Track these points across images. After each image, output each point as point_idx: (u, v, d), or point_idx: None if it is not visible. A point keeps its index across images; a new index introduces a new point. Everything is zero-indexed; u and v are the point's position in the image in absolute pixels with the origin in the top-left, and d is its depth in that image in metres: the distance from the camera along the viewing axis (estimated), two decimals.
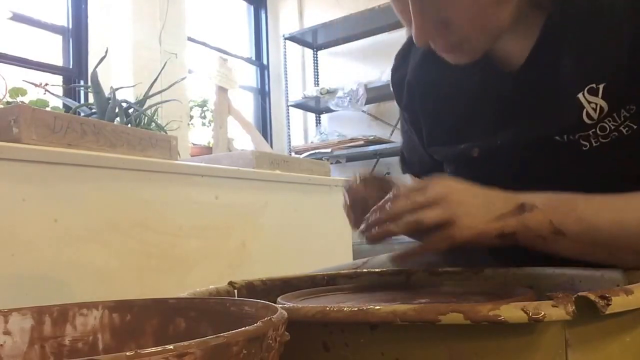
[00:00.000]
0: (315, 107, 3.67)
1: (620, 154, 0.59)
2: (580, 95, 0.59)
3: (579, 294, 0.35)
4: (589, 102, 0.59)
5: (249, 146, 2.52)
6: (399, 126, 1.70)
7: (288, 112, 3.66)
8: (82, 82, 2.54)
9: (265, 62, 3.78)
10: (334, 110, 3.47)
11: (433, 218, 0.57)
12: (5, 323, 0.42)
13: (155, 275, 1.24)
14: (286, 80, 3.68)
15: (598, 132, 0.59)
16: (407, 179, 0.88)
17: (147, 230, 1.23)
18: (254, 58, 3.77)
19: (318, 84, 3.64)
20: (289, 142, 3.62)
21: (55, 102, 1.86)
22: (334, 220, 1.72)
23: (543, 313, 0.33)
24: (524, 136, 0.64)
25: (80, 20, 2.61)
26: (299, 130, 3.78)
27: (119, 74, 2.39)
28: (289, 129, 3.65)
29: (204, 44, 3.29)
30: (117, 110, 1.49)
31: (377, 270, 0.72)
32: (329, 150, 3.28)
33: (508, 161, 0.66)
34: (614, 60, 0.58)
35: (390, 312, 0.35)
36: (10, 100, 1.53)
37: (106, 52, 1.60)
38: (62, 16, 2.60)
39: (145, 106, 1.63)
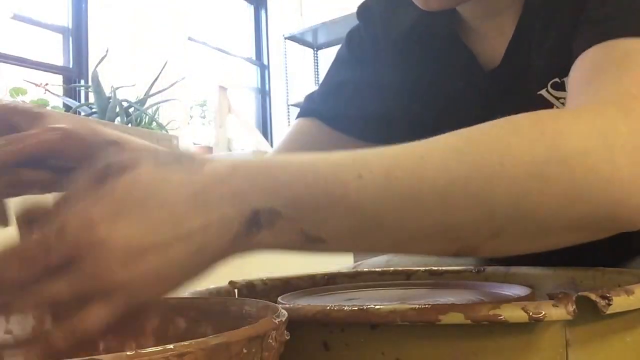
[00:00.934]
0: None
1: None
2: (543, 92, 0.57)
3: (580, 293, 0.35)
4: (557, 98, 0.57)
5: (249, 146, 2.52)
6: None
7: (289, 112, 3.66)
8: (82, 82, 2.54)
9: (265, 62, 3.78)
10: None
11: (106, 320, 0.32)
12: (7, 322, 0.42)
13: None
14: (287, 80, 3.68)
15: None
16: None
17: None
18: (254, 58, 3.77)
19: (318, 84, 3.64)
20: None
21: (56, 102, 1.86)
22: None
23: (543, 313, 0.33)
24: None
25: (80, 19, 2.61)
26: None
27: (119, 74, 2.39)
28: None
29: (204, 44, 3.29)
30: (117, 109, 1.49)
31: (377, 269, 0.72)
32: None
33: None
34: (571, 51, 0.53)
35: (390, 311, 0.35)
36: (10, 100, 1.53)
37: (107, 51, 1.60)
38: (62, 16, 2.60)
39: (146, 105, 1.63)
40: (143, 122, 1.58)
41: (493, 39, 0.64)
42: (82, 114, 1.54)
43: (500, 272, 0.65)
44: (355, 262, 0.86)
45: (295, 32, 3.61)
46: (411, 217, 0.35)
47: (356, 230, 0.36)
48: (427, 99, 0.70)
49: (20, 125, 0.43)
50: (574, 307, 0.34)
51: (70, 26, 2.61)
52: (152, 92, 1.64)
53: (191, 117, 3.05)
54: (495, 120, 0.38)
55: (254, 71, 3.76)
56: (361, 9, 0.77)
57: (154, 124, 1.65)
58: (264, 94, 3.76)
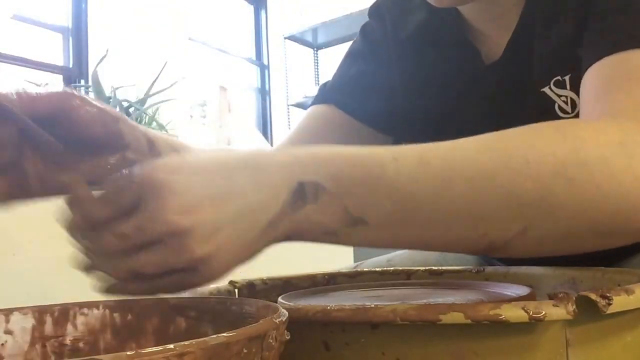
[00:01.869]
0: None
1: None
2: (546, 89, 0.58)
3: (580, 293, 0.35)
4: (559, 96, 0.57)
5: (249, 146, 2.52)
6: None
7: (289, 112, 3.66)
8: (82, 82, 2.54)
9: (265, 61, 3.78)
10: None
11: (158, 268, 0.35)
12: (7, 322, 0.42)
13: None
14: (287, 80, 3.68)
15: None
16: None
17: None
18: (254, 58, 3.77)
19: (319, 84, 3.64)
20: None
21: None
22: None
23: (544, 312, 0.33)
24: None
25: (80, 19, 2.61)
26: None
27: (119, 74, 2.40)
28: (289, 128, 3.65)
29: (204, 43, 3.29)
30: (117, 109, 1.49)
31: (377, 269, 0.72)
32: None
33: None
34: (575, 49, 0.54)
35: (390, 311, 0.35)
36: None
37: (107, 51, 1.61)
38: (62, 16, 2.60)
39: (146, 105, 1.63)
40: (143, 122, 1.59)
41: (496, 38, 0.65)
42: None
43: (500, 272, 0.65)
44: (355, 262, 0.86)
45: (295, 32, 3.61)
46: (443, 204, 0.37)
47: (395, 215, 0.37)
48: (435, 96, 0.71)
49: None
50: (574, 306, 0.34)
51: (70, 26, 2.61)
52: (152, 92, 1.64)
53: (191, 117, 3.05)
54: (519, 127, 0.40)
55: (254, 71, 3.77)
56: (372, 9, 0.78)
57: (154, 123, 1.65)
58: (264, 94, 3.76)
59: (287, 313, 0.33)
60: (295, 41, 3.67)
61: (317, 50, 3.74)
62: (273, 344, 0.30)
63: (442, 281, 0.65)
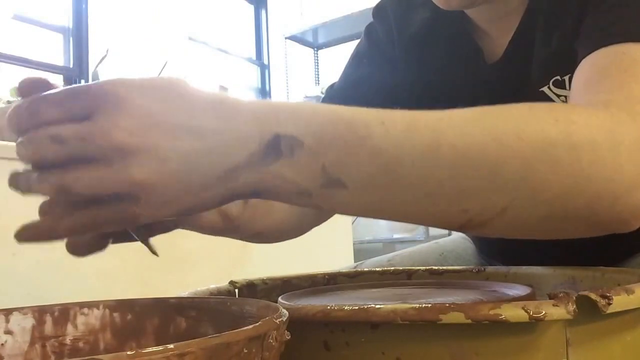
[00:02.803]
0: None
1: None
2: (545, 89, 0.58)
3: (580, 293, 0.35)
4: (558, 96, 0.58)
5: None
6: None
7: None
8: (82, 82, 2.54)
9: (266, 61, 3.78)
10: None
11: (92, 187, 0.32)
12: (7, 322, 0.42)
13: (156, 274, 1.24)
14: (287, 80, 3.68)
15: None
16: None
17: None
18: (254, 58, 3.77)
19: (319, 84, 3.64)
20: None
21: None
22: (334, 220, 1.71)
23: (544, 312, 0.33)
24: None
25: (80, 19, 2.61)
26: None
27: (119, 74, 2.39)
28: None
29: (204, 43, 3.29)
30: None
31: (378, 269, 0.72)
32: None
33: None
34: (574, 50, 0.54)
35: (391, 311, 0.35)
36: (10, 99, 1.53)
37: (107, 51, 1.60)
38: (62, 16, 2.60)
39: None
40: None
41: (499, 38, 0.66)
42: None
43: (500, 272, 0.65)
44: (355, 262, 0.86)
45: (296, 32, 3.61)
46: (427, 173, 0.36)
47: (376, 179, 0.35)
48: (438, 96, 0.72)
49: None
50: (574, 306, 0.34)
51: (70, 26, 2.61)
52: None
53: None
54: (513, 104, 0.39)
55: (254, 71, 3.76)
56: (376, 9, 0.79)
57: None
58: (264, 94, 3.76)
59: (287, 313, 0.33)
60: (296, 41, 3.67)
61: (317, 51, 3.74)
62: (273, 344, 0.30)
63: (443, 281, 0.65)
